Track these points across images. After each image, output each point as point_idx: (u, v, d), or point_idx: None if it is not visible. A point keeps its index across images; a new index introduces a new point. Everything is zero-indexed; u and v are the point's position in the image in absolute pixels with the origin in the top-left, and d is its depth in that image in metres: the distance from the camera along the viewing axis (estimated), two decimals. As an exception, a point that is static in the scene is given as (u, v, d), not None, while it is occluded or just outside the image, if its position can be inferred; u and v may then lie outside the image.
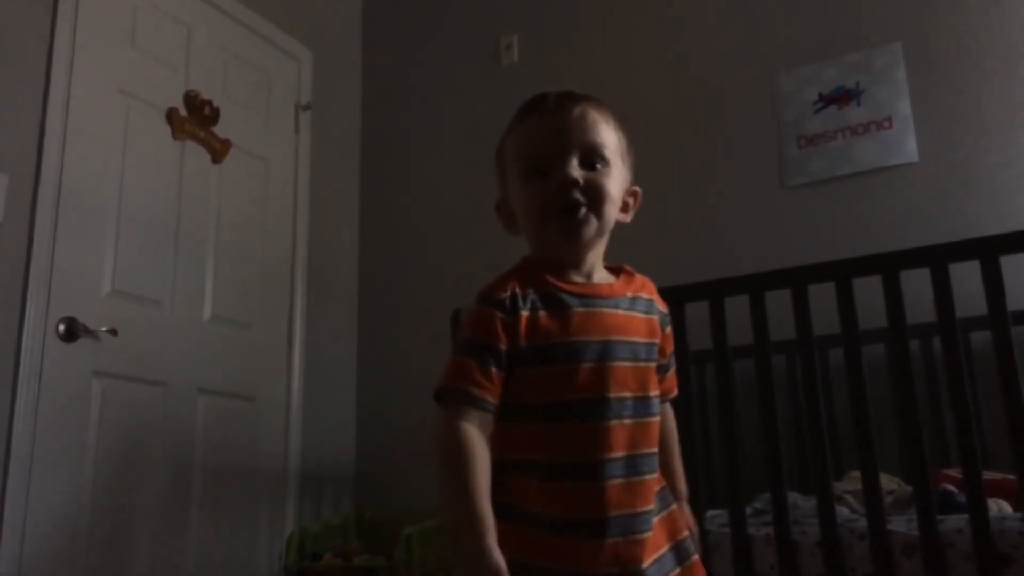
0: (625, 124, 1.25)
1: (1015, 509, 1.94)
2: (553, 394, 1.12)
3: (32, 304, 2.54)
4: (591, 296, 1.17)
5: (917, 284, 1.97)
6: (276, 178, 3.54)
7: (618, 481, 1.10)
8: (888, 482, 2.18)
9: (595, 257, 1.21)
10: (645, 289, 1.24)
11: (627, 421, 1.12)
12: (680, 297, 2.18)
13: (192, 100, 3.18)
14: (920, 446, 1.86)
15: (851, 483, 2.26)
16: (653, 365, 1.19)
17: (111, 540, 2.67)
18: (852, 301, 1.99)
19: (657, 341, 1.21)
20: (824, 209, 3.00)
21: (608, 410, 1.11)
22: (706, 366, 2.82)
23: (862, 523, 1.92)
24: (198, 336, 3.08)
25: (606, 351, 1.13)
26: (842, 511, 2.05)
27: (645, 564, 1.11)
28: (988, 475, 1.98)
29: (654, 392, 1.18)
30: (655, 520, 1.14)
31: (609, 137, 1.19)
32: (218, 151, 3.27)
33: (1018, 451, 1.77)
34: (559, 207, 1.15)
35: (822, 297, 2.04)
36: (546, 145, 1.17)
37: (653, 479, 1.15)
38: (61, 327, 2.61)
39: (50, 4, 2.73)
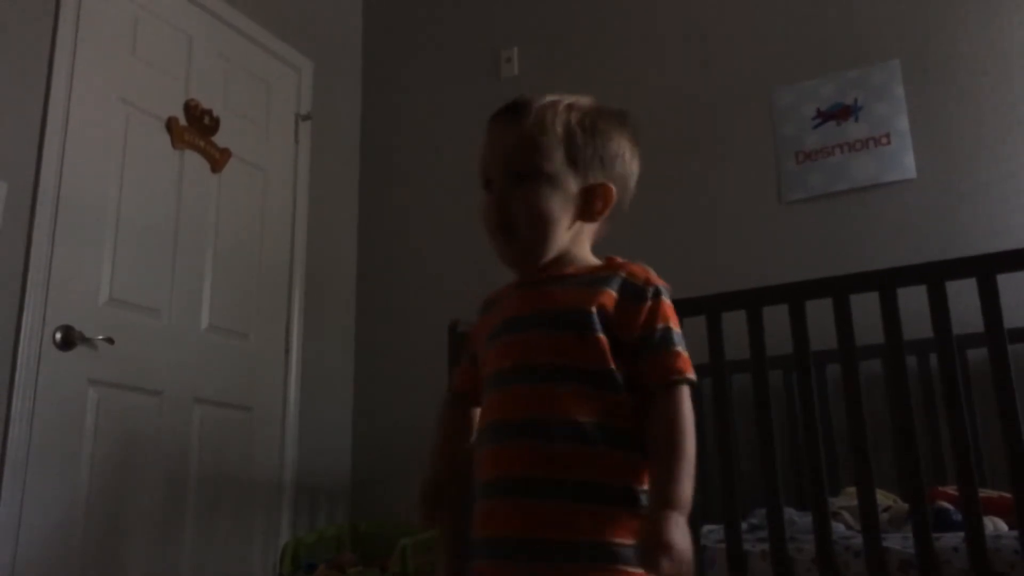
0: (595, 117, 1.22)
1: (1011, 527, 1.94)
2: (484, 371, 1.22)
3: (29, 312, 2.54)
4: (532, 283, 1.20)
5: (914, 300, 1.97)
6: (275, 188, 3.54)
7: (511, 444, 1.12)
8: (884, 499, 2.17)
9: (561, 261, 1.19)
10: (620, 269, 1.17)
11: (526, 387, 1.13)
12: (676, 311, 2.18)
13: (192, 109, 3.19)
14: (916, 463, 1.86)
15: (847, 499, 2.26)
16: (574, 333, 1.11)
17: (105, 549, 2.66)
18: (849, 317, 1.99)
19: (589, 308, 1.12)
20: (822, 224, 3.01)
21: (504, 378, 1.16)
22: (703, 380, 2.81)
23: (858, 540, 1.92)
24: (195, 345, 3.08)
25: (512, 324, 1.18)
26: (838, 527, 2.05)
27: (543, 536, 1.05)
28: (984, 493, 1.98)
29: (562, 360, 1.11)
30: (576, 507, 1.06)
31: (547, 148, 1.16)
32: (217, 160, 3.27)
33: (1014, 469, 1.77)
34: (489, 229, 1.20)
35: (819, 312, 2.05)
36: (485, 159, 1.21)
37: (567, 449, 1.07)
38: (58, 335, 2.61)
39: (51, 12, 2.74)
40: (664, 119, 3.37)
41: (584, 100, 1.24)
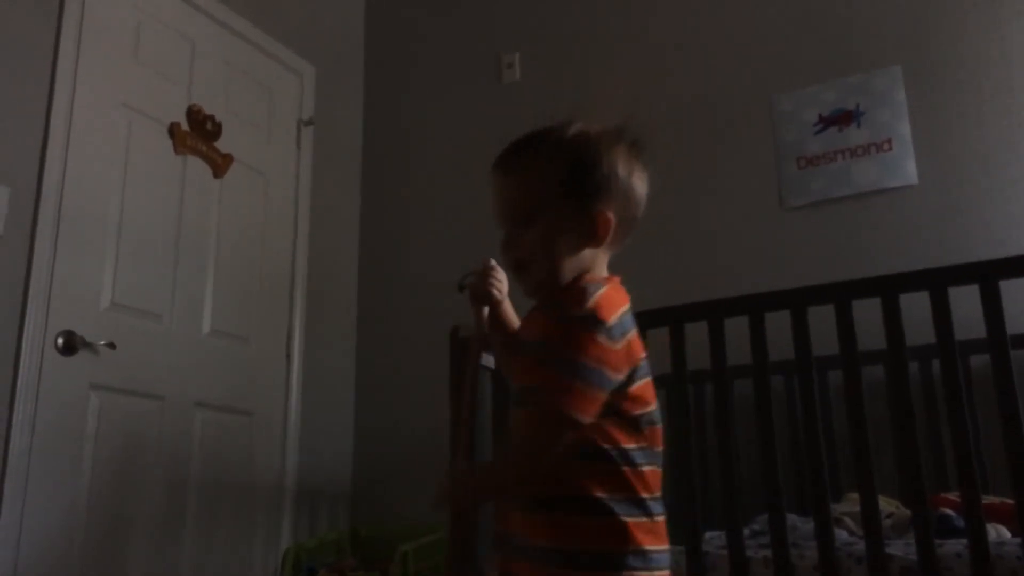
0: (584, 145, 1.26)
1: (1013, 534, 1.93)
2: None
3: (31, 317, 2.54)
4: (536, 306, 1.30)
5: (916, 306, 1.97)
6: (277, 193, 3.54)
7: None
8: (886, 505, 2.17)
9: (574, 283, 1.25)
10: (560, 296, 1.22)
11: (514, 411, 1.25)
12: (679, 317, 2.19)
13: (194, 114, 3.20)
14: (918, 469, 1.86)
15: (849, 505, 2.25)
16: (534, 360, 1.19)
17: (106, 554, 2.66)
18: (851, 323, 1.99)
19: (538, 336, 1.21)
20: (824, 230, 3.01)
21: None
22: (704, 386, 2.81)
23: (860, 546, 1.91)
24: (196, 350, 3.08)
25: (512, 347, 1.33)
26: (841, 534, 2.05)
27: (537, 544, 1.16)
28: (987, 499, 1.97)
29: (522, 383, 1.23)
30: (553, 517, 1.16)
31: (525, 193, 1.26)
32: (219, 166, 3.28)
33: (1016, 475, 1.77)
34: (506, 267, 1.33)
35: (821, 318, 2.05)
36: (494, 207, 1.31)
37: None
38: (60, 340, 2.61)
39: (54, 17, 2.75)
40: (665, 125, 3.37)
41: (572, 130, 1.28)
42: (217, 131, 3.28)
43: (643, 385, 1.19)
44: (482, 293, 1.40)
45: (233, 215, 3.31)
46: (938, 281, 1.93)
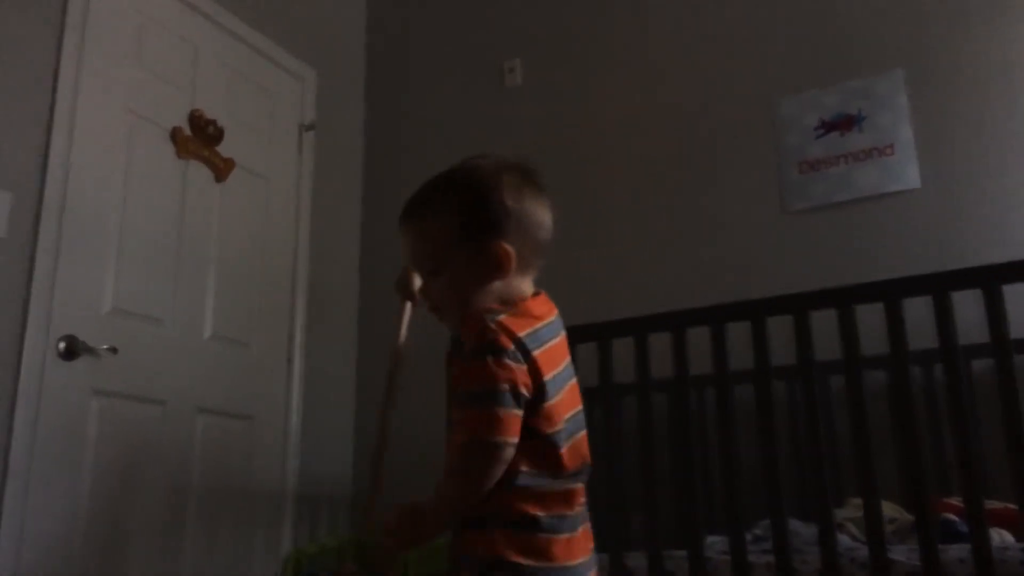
0: (470, 188, 1.29)
1: (1017, 539, 1.93)
2: None
3: (33, 321, 2.54)
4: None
5: (919, 311, 1.97)
6: (278, 197, 3.55)
7: None
8: (889, 510, 2.16)
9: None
10: (463, 333, 1.27)
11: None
12: (681, 322, 2.19)
13: (196, 119, 3.20)
14: (921, 474, 1.86)
15: (852, 510, 2.25)
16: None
17: (107, 559, 2.65)
18: (854, 328, 1.99)
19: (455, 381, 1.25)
20: (825, 234, 3.01)
21: None
22: (706, 391, 2.81)
23: (863, 552, 1.91)
24: (198, 355, 3.07)
25: None
26: (843, 539, 2.04)
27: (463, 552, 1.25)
28: (989, 504, 1.97)
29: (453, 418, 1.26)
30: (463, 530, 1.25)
31: (427, 247, 1.33)
32: (221, 170, 3.28)
33: (1019, 480, 1.77)
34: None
35: (823, 322, 2.04)
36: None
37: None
38: (61, 345, 2.61)
39: (57, 22, 2.75)
40: (667, 129, 3.38)
41: (457, 174, 1.34)
42: (219, 135, 3.28)
43: (554, 404, 1.20)
44: (401, 292, 1.49)
45: (234, 219, 3.31)
46: (941, 286, 1.93)
